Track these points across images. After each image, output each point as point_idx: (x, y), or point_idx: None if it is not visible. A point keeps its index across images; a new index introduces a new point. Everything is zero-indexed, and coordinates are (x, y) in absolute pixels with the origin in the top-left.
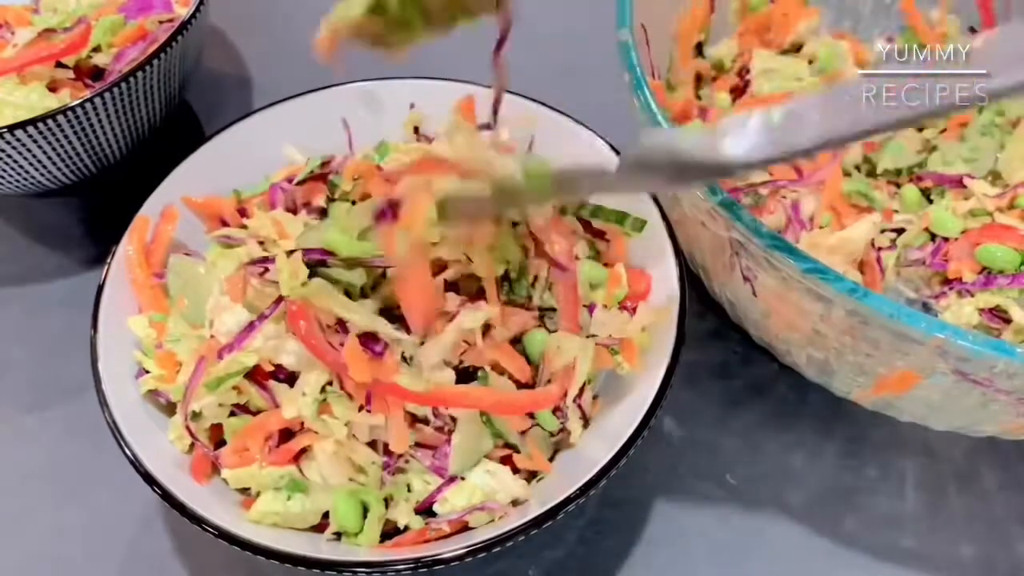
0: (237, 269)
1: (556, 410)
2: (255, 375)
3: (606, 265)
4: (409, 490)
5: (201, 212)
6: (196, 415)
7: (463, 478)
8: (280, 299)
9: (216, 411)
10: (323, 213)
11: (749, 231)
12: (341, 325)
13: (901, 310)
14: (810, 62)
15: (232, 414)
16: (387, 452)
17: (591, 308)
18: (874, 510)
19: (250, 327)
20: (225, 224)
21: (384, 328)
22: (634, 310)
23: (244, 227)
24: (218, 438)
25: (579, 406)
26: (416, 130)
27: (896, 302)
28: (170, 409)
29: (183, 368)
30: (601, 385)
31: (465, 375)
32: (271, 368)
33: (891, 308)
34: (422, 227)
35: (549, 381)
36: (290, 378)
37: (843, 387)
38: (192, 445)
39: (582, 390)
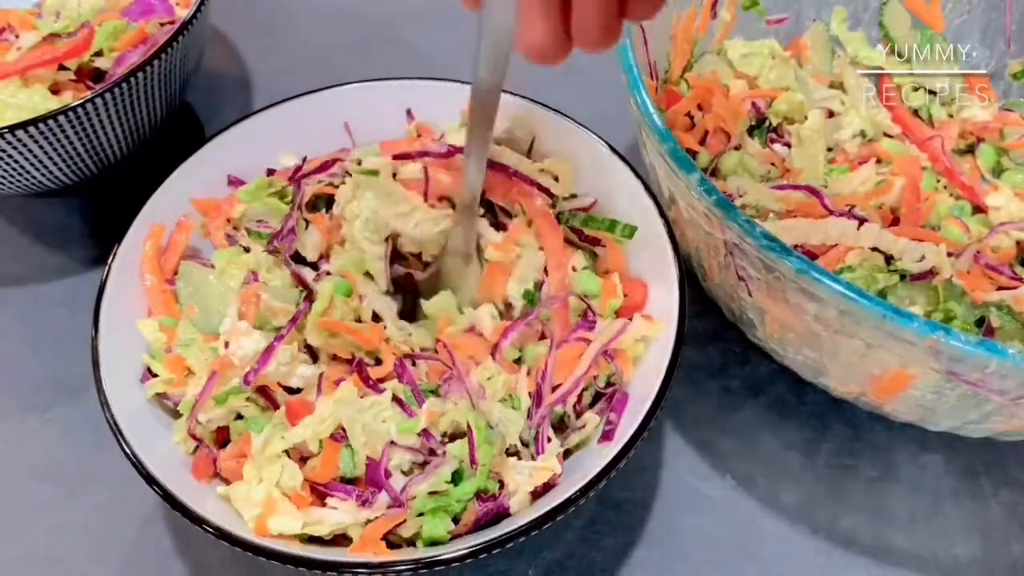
0: (246, 280)
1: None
2: (262, 388)
3: (606, 272)
4: None
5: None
6: (202, 421)
7: None
8: (295, 318)
9: (223, 416)
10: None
11: (743, 232)
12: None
13: (893, 311)
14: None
15: (239, 416)
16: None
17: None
18: (871, 510)
19: (268, 352)
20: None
21: None
22: (630, 319)
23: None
24: (224, 439)
25: (576, 414)
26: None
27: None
28: (173, 410)
29: (194, 378)
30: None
31: None
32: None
33: (883, 309)
34: None
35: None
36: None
37: (838, 387)
38: (197, 448)
39: (580, 398)
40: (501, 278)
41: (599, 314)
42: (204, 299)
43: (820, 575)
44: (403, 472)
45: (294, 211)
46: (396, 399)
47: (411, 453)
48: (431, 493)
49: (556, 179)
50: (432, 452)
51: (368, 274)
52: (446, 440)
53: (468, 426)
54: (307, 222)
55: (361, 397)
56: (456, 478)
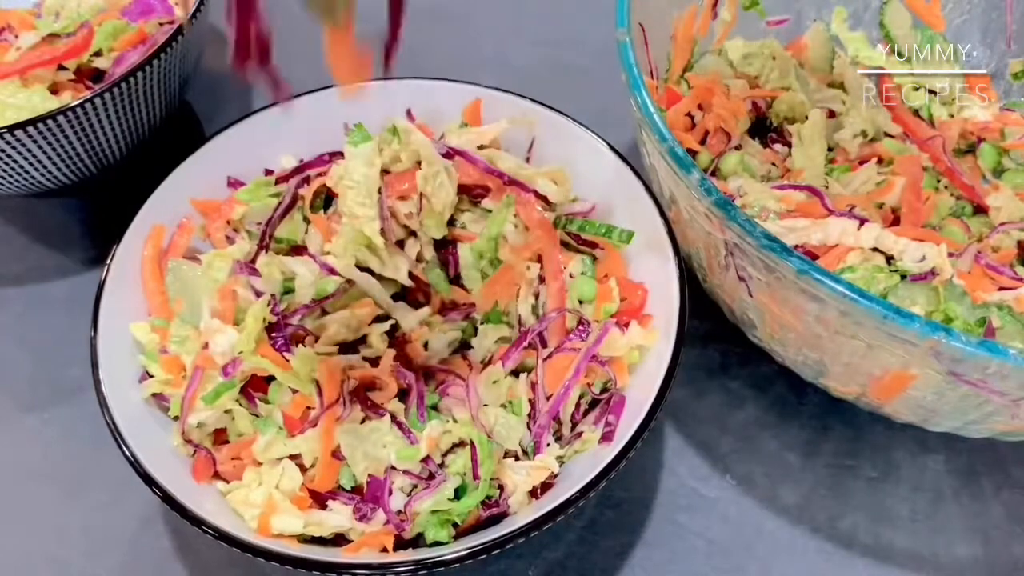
0: (232, 272)
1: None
2: (249, 386)
3: (605, 276)
4: None
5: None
6: (200, 424)
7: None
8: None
9: (218, 419)
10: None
11: (744, 232)
12: None
13: (895, 311)
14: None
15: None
16: None
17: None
18: (872, 510)
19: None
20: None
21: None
22: (627, 325)
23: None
24: (223, 439)
25: (573, 421)
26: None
27: (891, 303)
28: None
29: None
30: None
31: None
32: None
33: (885, 309)
34: None
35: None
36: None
37: (839, 387)
38: (195, 451)
39: (578, 406)
40: (510, 286)
41: (595, 319)
42: (191, 294)
43: (820, 575)
44: (404, 492)
45: (284, 198)
46: (396, 421)
47: (412, 478)
48: (433, 512)
49: (555, 183)
50: (432, 476)
51: (371, 248)
52: (447, 454)
53: (472, 443)
54: (308, 221)
55: (362, 422)
56: (458, 491)
